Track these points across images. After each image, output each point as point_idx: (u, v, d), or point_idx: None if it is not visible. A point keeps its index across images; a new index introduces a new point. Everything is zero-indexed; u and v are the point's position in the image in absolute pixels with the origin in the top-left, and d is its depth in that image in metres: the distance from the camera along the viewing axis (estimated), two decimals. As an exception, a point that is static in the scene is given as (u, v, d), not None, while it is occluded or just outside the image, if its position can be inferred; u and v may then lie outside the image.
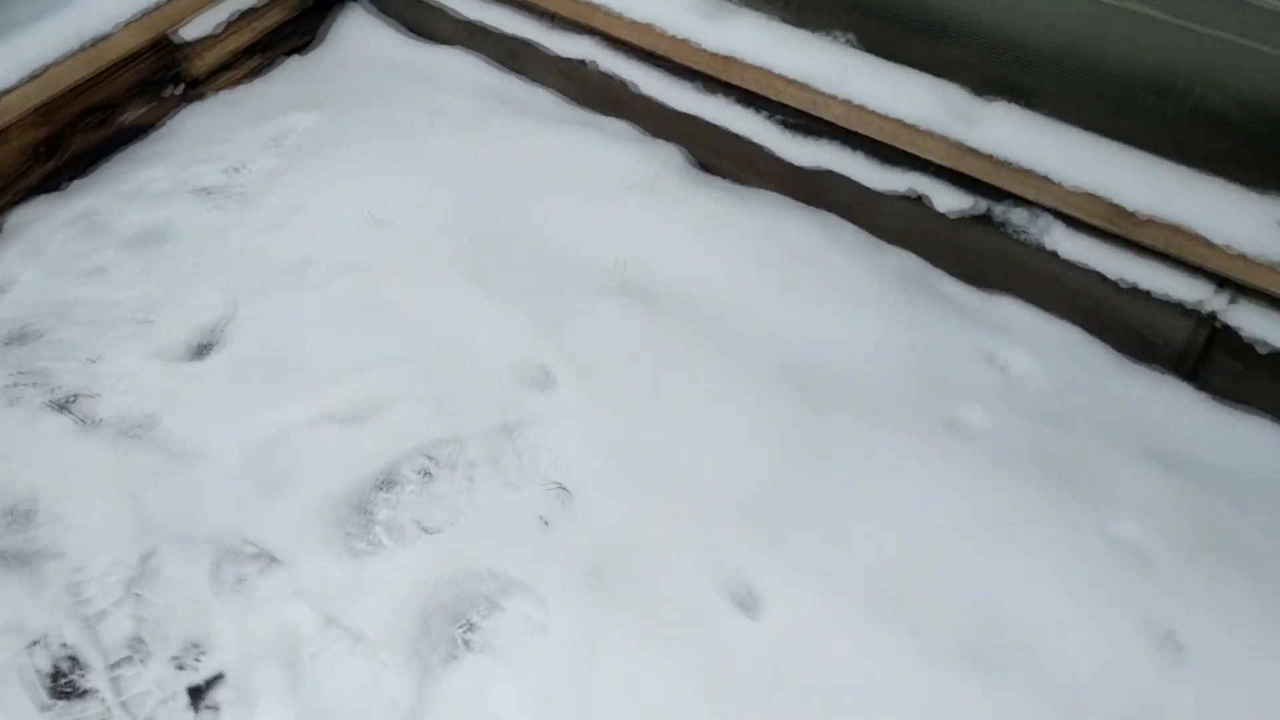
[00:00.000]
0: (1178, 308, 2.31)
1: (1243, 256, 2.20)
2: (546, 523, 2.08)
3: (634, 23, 2.84)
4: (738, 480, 2.14)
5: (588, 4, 2.92)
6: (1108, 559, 2.02)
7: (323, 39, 3.32)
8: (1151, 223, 2.27)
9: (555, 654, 1.93)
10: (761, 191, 2.77)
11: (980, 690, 1.85)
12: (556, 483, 2.12)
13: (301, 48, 3.33)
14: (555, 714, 1.84)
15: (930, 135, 2.49)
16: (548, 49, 3.04)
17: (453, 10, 3.21)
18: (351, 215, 2.61)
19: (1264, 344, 2.22)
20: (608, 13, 2.87)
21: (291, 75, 3.18)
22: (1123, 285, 2.35)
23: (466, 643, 1.95)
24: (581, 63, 3.00)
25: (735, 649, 1.93)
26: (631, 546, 2.05)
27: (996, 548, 2.03)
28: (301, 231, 2.57)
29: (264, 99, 3.06)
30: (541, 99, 3.03)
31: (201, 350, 2.39)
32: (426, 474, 2.15)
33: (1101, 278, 2.38)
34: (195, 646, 1.93)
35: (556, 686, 1.89)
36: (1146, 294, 2.33)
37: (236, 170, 2.81)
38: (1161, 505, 2.10)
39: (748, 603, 1.99)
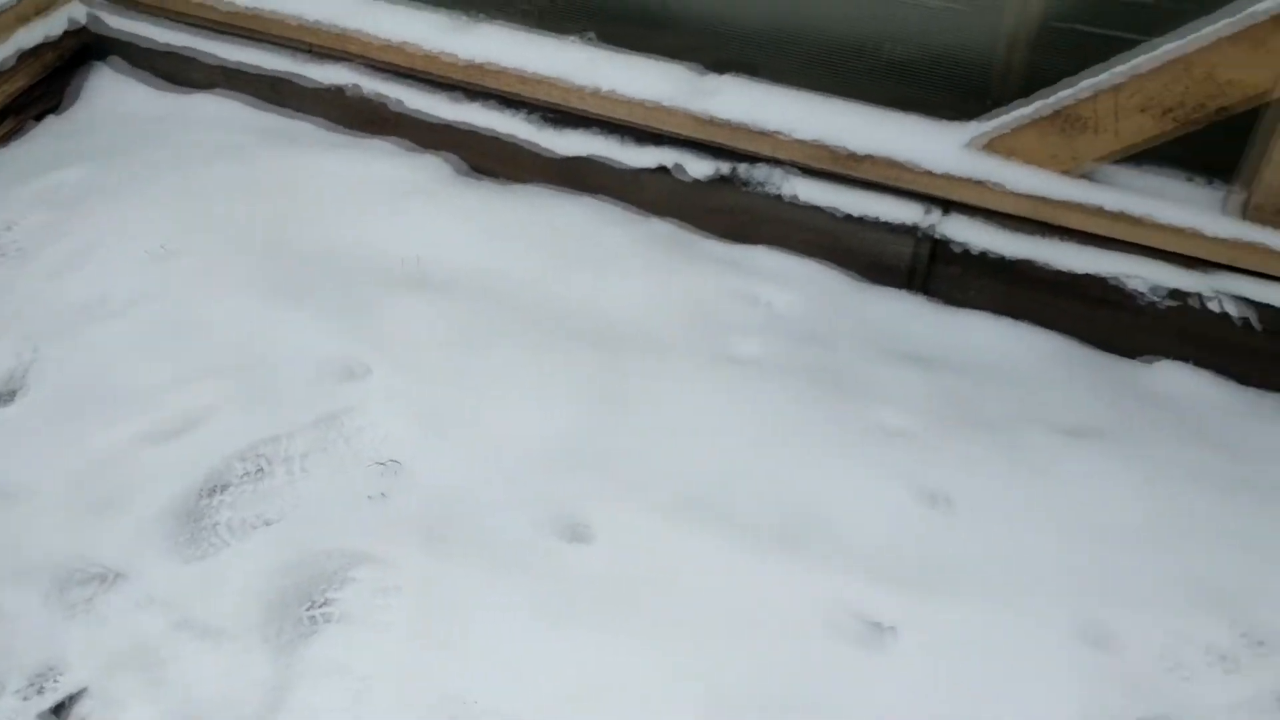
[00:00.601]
0: (901, 229, 2.68)
1: (946, 176, 2.58)
2: (384, 494, 2.22)
3: (389, 44, 3.04)
4: (551, 429, 2.34)
5: (341, 33, 3.09)
6: (878, 443, 2.34)
7: (75, 98, 3.35)
8: (870, 159, 2.64)
9: (410, 611, 2.07)
10: (531, 186, 3.00)
11: (796, 569, 2.11)
12: (387, 458, 2.27)
13: (54, 108, 3.35)
14: (419, 664, 1.98)
15: (673, 112, 2.79)
16: (309, 79, 3.19)
17: (207, 55, 3.31)
18: (141, 251, 2.68)
19: (973, 248, 2.61)
20: (363, 38, 3.06)
21: (50, 134, 3.20)
22: (855, 218, 2.71)
23: (324, 616, 2.07)
24: (343, 89, 3.15)
25: (573, 576, 2.12)
26: (465, 503, 2.22)
27: (787, 448, 2.31)
28: (92, 273, 2.62)
29: (24, 160, 3.07)
30: (309, 128, 3.17)
31: (5, 398, 2.40)
32: (259, 471, 2.25)
33: (836, 215, 2.72)
34: (51, 670, 1.97)
35: (416, 639, 2.03)
36: (875, 222, 2.70)
37: (8, 229, 2.82)
38: (914, 394, 2.44)
39: (580, 533, 2.19)
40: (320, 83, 3.16)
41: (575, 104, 2.89)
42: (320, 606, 2.08)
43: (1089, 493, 2.22)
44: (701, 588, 2.09)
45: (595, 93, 2.84)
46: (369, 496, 2.21)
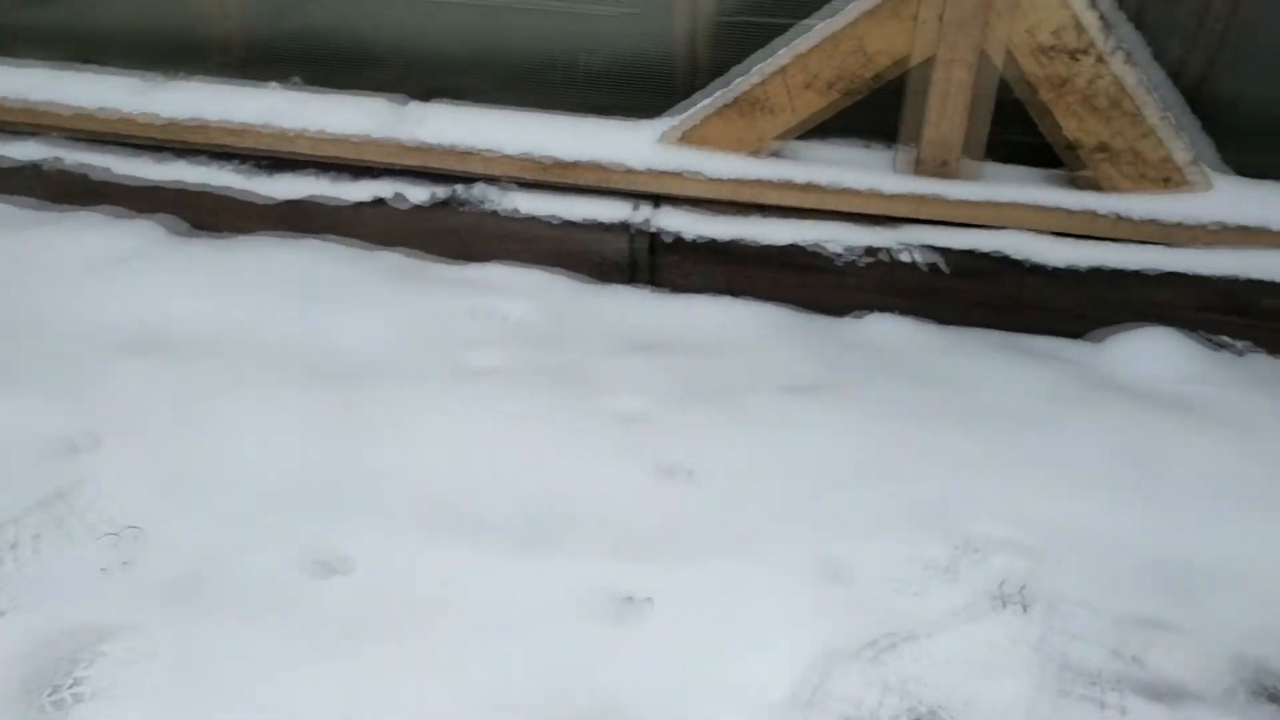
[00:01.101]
0: (617, 228, 2.80)
1: (649, 171, 2.72)
2: (126, 563, 2.16)
3: (83, 113, 2.96)
4: (294, 469, 2.33)
5: (30, 107, 2.99)
6: (617, 430, 2.43)
7: None
8: (577, 165, 2.75)
9: (165, 675, 2.01)
10: (253, 235, 2.98)
11: (551, 562, 2.17)
12: (125, 526, 2.21)
13: None
14: (179, 724, 1.94)
15: (383, 143, 2.84)
16: (3, 158, 3.07)
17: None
18: None
19: (686, 235, 2.75)
20: (55, 110, 2.97)
21: None
22: (573, 223, 2.81)
23: (75, 696, 1.99)
24: (39, 164, 3.05)
25: (334, 608, 2.12)
26: (213, 557, 2.18)
27: (531, 448, 2.37)
28: None
29: None
30: (8, 209, 3.05)
31: None
32: (-17, 562, 2.15)
33: (554, 223, 2.82)
34: None
35: (175, 701, 1.98)
36: (593, 224, 2.81)
37: None
38: (647, 379, 2.55)
39: (336, 566, 2.18)
40: (16, 160, 3.04)
41: (285, 148, 2.89)
42: (70, 688, 2.00)
43: (813, 442, 2.38)
44: (464, 596, 2.12)
45: (303, 135, 2.85)
46: (108, 568, 2.15)
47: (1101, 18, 2.33)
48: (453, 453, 2.36)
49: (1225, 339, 2.69)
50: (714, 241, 2.73)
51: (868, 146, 2.77)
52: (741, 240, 2.72)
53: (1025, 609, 2.09)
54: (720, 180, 2.66)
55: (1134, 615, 2.10)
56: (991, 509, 2.25)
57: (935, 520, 2.22)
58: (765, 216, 2.71)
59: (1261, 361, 2.68)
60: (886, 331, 2.72)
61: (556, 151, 2.72)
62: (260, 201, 2.92)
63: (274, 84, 2.91)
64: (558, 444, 2.39)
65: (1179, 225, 2.55)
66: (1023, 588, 2.12)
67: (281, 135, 2.85)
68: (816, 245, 2.70)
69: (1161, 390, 2.54)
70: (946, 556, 2.16)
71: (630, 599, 2.10)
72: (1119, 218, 2.56)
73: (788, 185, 2.64)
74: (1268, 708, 1.97)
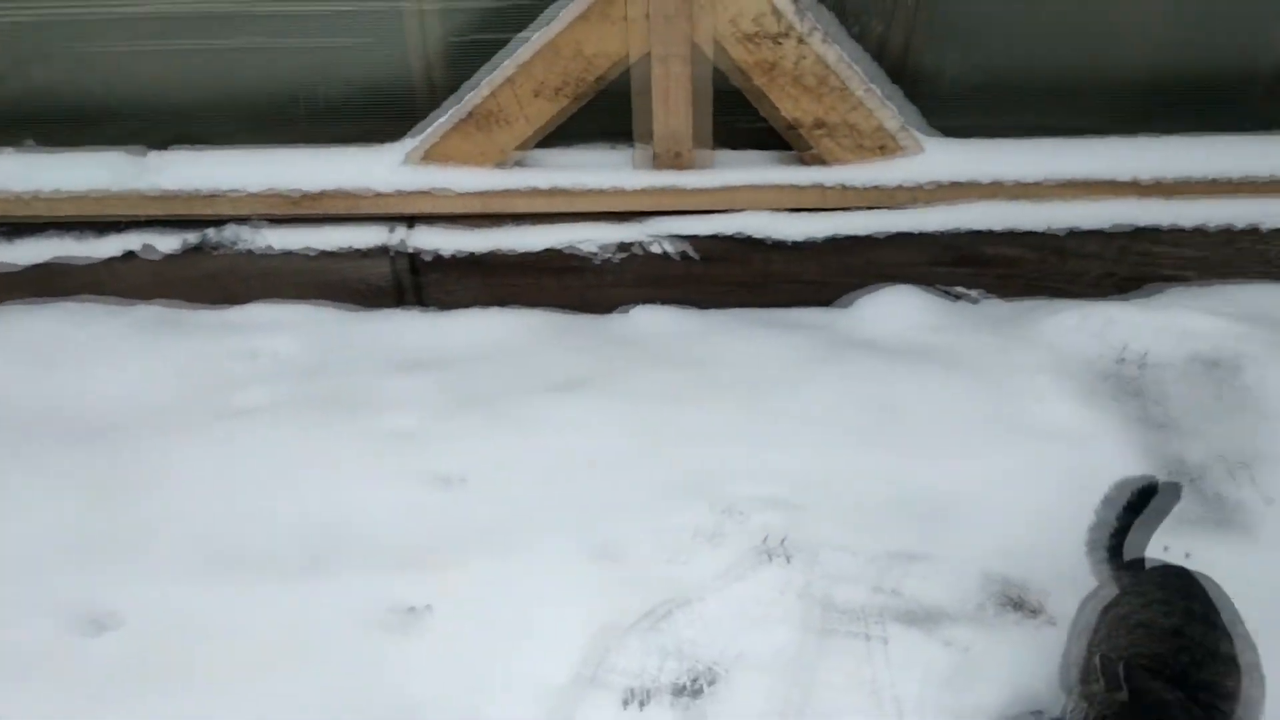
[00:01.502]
0: (375, 253, 2.82)
1: (398, 194, 2.76)
2: None
3: None
4: (55, 532, 2.28)
5: None
6: (389, 448, 2.45)
7: None
8: (324, 195, 2.76)
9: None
10: (1, 306, 2.88)
11: (331, 584, 2.17)
12: None
13: None
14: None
15: (125, 196, 2.80)
16: None
17: None
18: None
19: (444, 252, 2.79)
20: None
21: None
22: (330, 253, 2.82)
23: None
24: None
25: (106, 664, 2.07)
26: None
27: (304, 477, 2.37)
28: None
29: None
30: None
31: None
32: None
33: (311, 255, 2.82)
34: None
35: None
36: (350, 252, 2.82)
37: None
38: (418, 396, 2.58)
39: (106, 621, 2.13)
40: None
41: (22, 212, 2.81)
42: None
43: (579, 434, 2.45)
44: (248, 629, 2.11)
45: (38, 196, 2.78)
46: None
47: (795, 1, 2.48)
48: (222, 494, 2.33)
49: (961, 289, 2.89)
50: (472, 255, 2.78)
51: (614, 147, 2.86)
52: (499, 250, 2.78)
53: (789, 560, 2.20)
54: (469, 194, 2.72)
55: (889, 551, 2.24)
56: (751, 471, 2.36)
57: (699, 490, 2.32)
58: (518, 225, 2.78)
59: (994, 305, 2.89)
60: (649, 322, 2.81)
61: (303, 184, 2.73)
62: (5, 270, 2.82)
63: (6, 149, 2.82)
64: (329, 470, 2.39)
65: (899, 188, 2.72)
66: (784, 540, 2.23)
67: (17, 200, 2.77)
68: (571, 247, 2.78)
69: (904, 342, 2.71)
70: (712, 522, 2.25)
71: (412, 608, 2.12)
72: (845, 188, 2.72)
73: (535, 192, 2.71)
74: (1013, 615, 2.12)
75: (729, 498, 2.28)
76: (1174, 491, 1.97)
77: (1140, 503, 1.97)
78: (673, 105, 2.59)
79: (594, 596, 2.14)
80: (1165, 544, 2.19)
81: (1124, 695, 1.51)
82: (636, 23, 2.47)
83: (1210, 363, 2.59)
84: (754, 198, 2.71)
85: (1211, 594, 1.77)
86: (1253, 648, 1.72)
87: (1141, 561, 1.95)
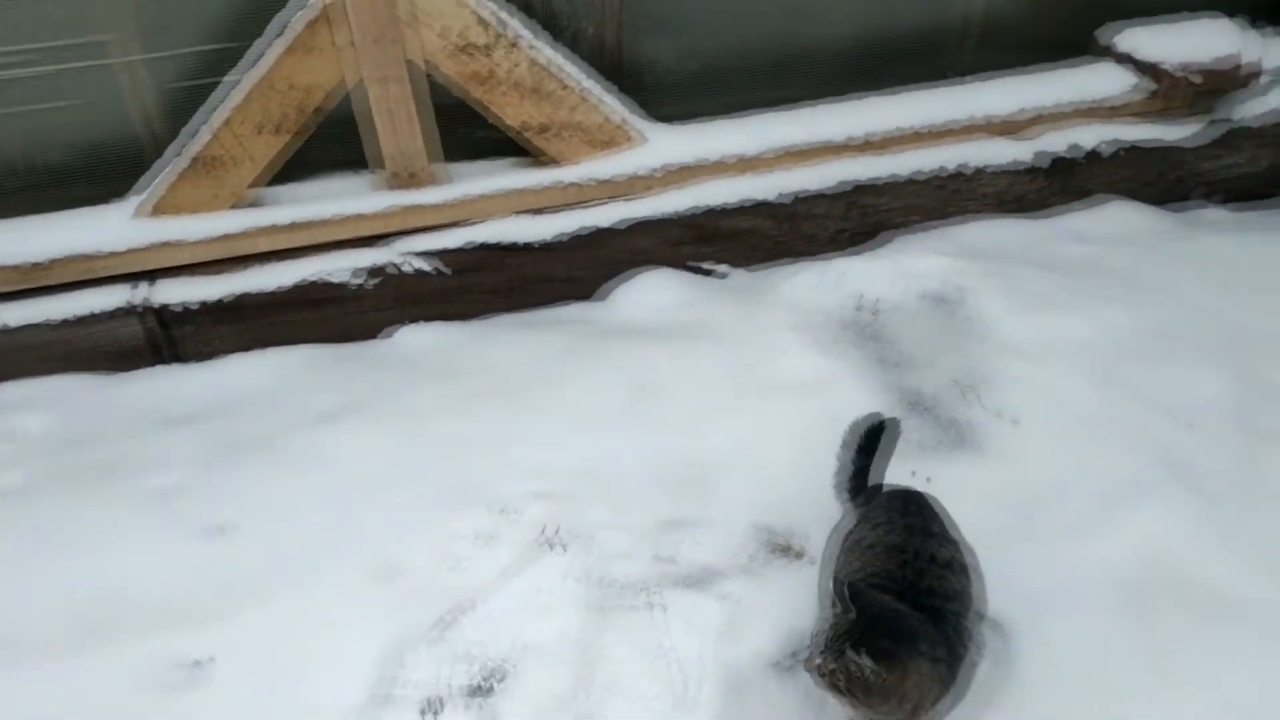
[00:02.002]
0: (121, 313, 2.75)
1: (132, 251, 2.70)
2: None
3: None
4: None
5: None
6: (155, 506, 2.42)
7: None
8: (55, 264, 2.68)
9: None
10: None
11: (105, 653, 2.12)
12: None
13: None
14: None
15: None
16: None
17: None
18: None
19: (193, 303, 2.75)
20: None
21: None
22: (74, 321, 2.74)
23: None
24: None
25: None
26: None
27: (69, 552, 2.31)
28: None
29: None
30: None
31: None
32: None
33: (53, 325, 2.74)
34: None
35: None
36: (94, 316, 2.75)
37: None
38: (181, 451, 2.55)
39: None
40: None
41: None
42: None
43: (353, 459, 2.47)
44: (26, 716, 2.04)
45: None
46: None
47: (498, 10, 2.56)
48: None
49: (708, 265, 3.02)
50: (221, 301, 2.75)
51: (356, 173, 2.88)
52: (249, 292, 2.76)
53: (565, 548, 2.27)
54: (208, 241, 2.69)
55: (661, 522, 2.34)
56: (522, 469, 2.42)
57: (474, 495, 2.37)
58: (264, 264, 2.76)
59: (740, 276, 3.04)
60: (414, 341, 2.85)
61: (32, 254, 2.65)
62: None
63: None
64: (97, 538, 2.34)
65: (633, 177, 2.84)
66: (559, 530, 2.30)
67: None
68: (323, 278, 2.78)
69: (659, 324, 2.82)
70: (489, 523, 2.31)
71: (196, 662, 2.10)
72: (580, 184, 2.82)
73: (275, 229, 2.70)
74: (779, 560, 2.25)
75: (503, 498, 2.34)
76: (895, 426, 2.14)
77: (869, 443, 2.13)
78: (399, 126, 2.63)
79: (380, 617, 2.16)
80: (913, 470, 2.36)
81: (854, 614, 1.64)
82: (345, 49, 2.50)
83: (936, 299, 2.80)
84: (495, 205, 2.78)
85: (931, 508, 1.94)
86: (970, 551, 1.89)
87: (879, 489, 2.11)
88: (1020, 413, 2.48)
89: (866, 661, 1.59)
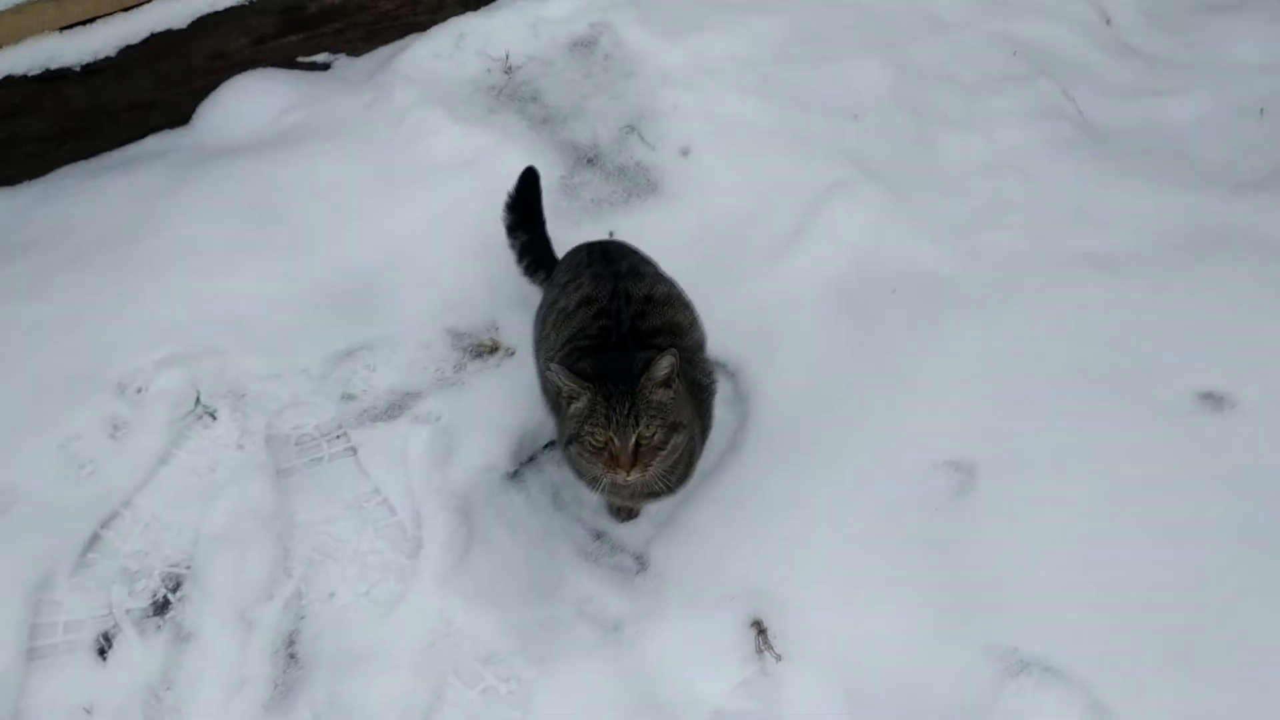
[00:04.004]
0: None
1: None
2: None
3: None
4: None
5: None
6: None
7: None
8: None
9: None
10: None
11: None
12: None
13: None
14: None
15: None
16: None
17: None
18: None
19: None
20: None
21: None
22: None
23: None
24: None
25: None
26: None
27: None
28: None
29: None
30: None
31: None
32: None
33: None
34: None
35: None
36: None
37: None
38: None
39: None
40: None
41: None
42: None
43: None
44: None
45: None
46: None
47: None
48: None
49: (305, 59, 2.55)
50: None
51: None
52: None
53: (214, 416, 1.87)
54: None
55: (329, 356, 2.00)
56: (143, 337, 1.98)
57: (86, 383, 1.91)
58: None
59: (348, 64, 2.60)
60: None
61: None
62: None
63: None
64: None
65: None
66: (198, 397, 1.90)
67: None
68: None
69: (265, 135, 2.38)
70: (110, 412, 1.86)
71: None
72: None
73: None
74: (476, 363, 1.96)
75: (120, 375, 1.88)
76: (533, 173, 1.89)
77: (525, 194, 1.85)
78: None
79: (4, 561, 1.69)
80: (610, 230, 2.11)
81: (588, 388, 1.38)
82: None
83: (572, 44, 2.51)
84: (21, 22, 2.16)
85: (616, 249, 1.69)
86: (671, 282, 1.66)
87: (553, 259, 1.85)
88: (688, 142, 2.28)
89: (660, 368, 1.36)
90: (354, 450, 1.85)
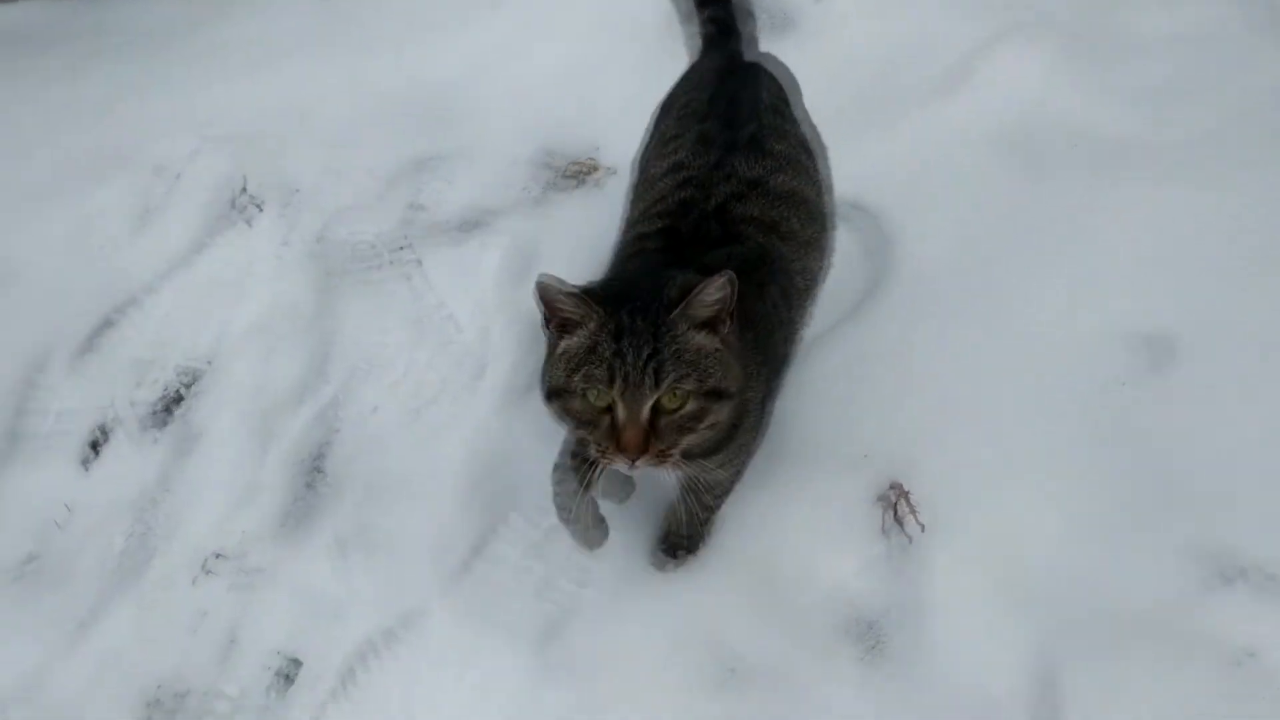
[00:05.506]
0: None
1: None
2: None
3: None
4: None
5: None
6: None
7: None
8: None
9: None
10: None
11: None
12: None
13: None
14: None
15: None
16: None
17: None
18: None
19: None
20: None
21: None
22: None
23: None
24: None
25: None
26: None
27: None
28: None
29: None
30: None
31: None
32: None
33: None
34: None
35: None
36: None
37: None
38: None
39: None
40: None
41: None
42: None
43: None
44: None
45: None
46: None
47: None
48: None
49: None
50: None
51: None
52: None
53: (260, 208, 1.59)
54: None
55: (401, 163, 1.69)
56: (195, 118, 1.71)
57: (125, 159, 1.64)
58: None
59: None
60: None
61: None
62: None
63: None
64: None
65: None
66: (245, 187, 1.61)
67: None
68: None
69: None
70: (141, 191, 1.58)
71: None
72: None
73: None
74: (567, 183, 1.65)
75: (159, 157, 1.61)
76: None
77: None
78: None
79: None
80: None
81: (593, 315, 0.94)
82: None
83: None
84: None
85: (750, 100, 1.27)
86: (802, 168, 1.29)
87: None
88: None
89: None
90: (419, 262, 1.55)
